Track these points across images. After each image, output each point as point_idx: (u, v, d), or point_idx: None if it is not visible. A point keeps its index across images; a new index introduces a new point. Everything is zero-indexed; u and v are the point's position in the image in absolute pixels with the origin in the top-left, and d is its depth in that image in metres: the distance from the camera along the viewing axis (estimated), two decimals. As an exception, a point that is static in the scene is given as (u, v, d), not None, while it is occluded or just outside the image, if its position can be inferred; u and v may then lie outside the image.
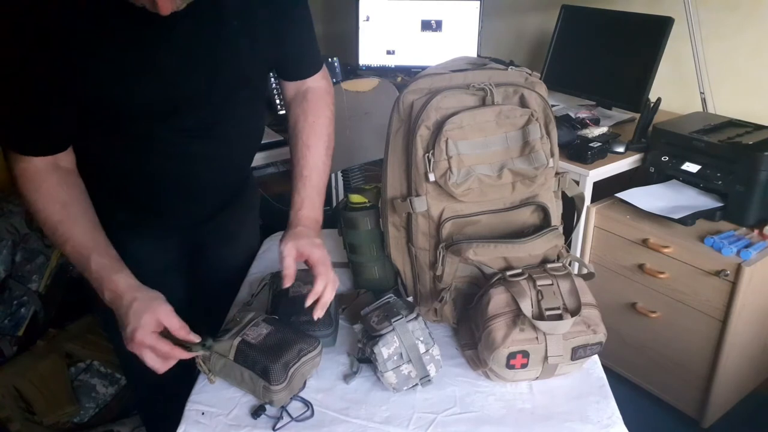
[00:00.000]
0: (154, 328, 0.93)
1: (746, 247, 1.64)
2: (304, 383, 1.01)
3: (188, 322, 0.97)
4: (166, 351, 0.92)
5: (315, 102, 1.21)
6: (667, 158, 1.87)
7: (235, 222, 1.37)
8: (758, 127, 1.85)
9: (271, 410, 0.97)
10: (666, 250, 1.75)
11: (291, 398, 0.98)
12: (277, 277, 1.15)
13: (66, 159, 1.02)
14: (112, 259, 0.99)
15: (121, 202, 1.14)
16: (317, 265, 1.05)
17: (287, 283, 1.05)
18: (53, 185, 0.99)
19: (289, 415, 0.96)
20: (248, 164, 1.29)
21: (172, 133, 1.05)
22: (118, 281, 0.96)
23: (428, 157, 1.01)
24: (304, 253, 1.07)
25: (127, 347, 0.93)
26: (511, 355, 0.95)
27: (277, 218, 1.64)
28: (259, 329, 1.01)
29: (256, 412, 0.96)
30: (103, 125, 1.02)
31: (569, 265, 1.06)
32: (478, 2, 2.64)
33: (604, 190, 1.96)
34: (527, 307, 0.94)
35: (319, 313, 1.03)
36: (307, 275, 1.13)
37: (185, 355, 0.94)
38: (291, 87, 1.23)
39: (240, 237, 1.43)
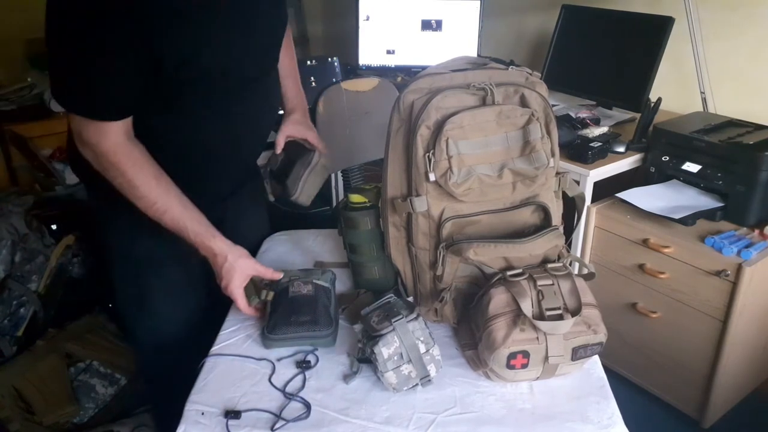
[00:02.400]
0: (241, 282, 1.14)
1: (747, 247, 1.64)
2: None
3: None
4: (242, 305, 1.15)
5: (288, 45, 1.44)
6: (668, 158, 1.87)
7: (248, 198, 1.48)
8: (758, 127, 1.85)
9: (271, 410, 0.97)
10: (666, 250, 1.75)
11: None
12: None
13: (131, 123, 1.10)
14: (204, 226, 1.14)
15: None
16: (316, 141, 1.41)
17: (278, 150, 1.33)
18: (145, 159, 1.10)
19: (284, 419, 0.96)
20: (271, 125, 1.38)
21: (224, 92, 1.16)
22: (212, 246, 1.13)
23: (429, 156, 1.01)
24: (301, 134, 1.40)
25: (223, 291, 1.15)
26: (512, 355, 0.95)
27: (277, 219, 1.65)
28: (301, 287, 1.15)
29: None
30: (168, 90, 1.09)
31: (570, 265, 1.06)
32: (478, 2, 2.64)
33: (605, 190, 1.96)
34: (528, 307, 0.94)
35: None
36: (306, 275, 1.17)
37: (248, 312, 1.16)
38: None
39: (254, 213, 1.53)
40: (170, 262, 1.29)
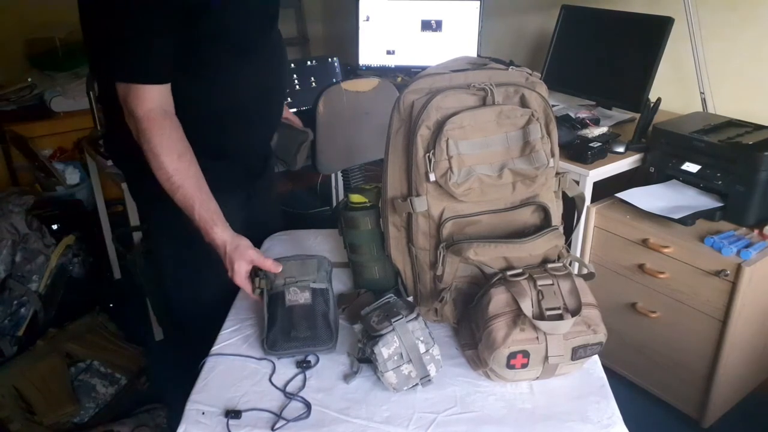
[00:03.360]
0: (246, 269, 1.16)
1: (746, 247, 1.64)
2: None
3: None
4: (249, 293, 1.18)
5: None
6: (667, 158, 1.88)
7: (269, 183, 1.61)
8: (758, 127, 1.85)
9: (271, 409, 0.97)
10: (666, 250, 1.75)
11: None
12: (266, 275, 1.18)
13: (171, 102, 1.18)
14: (211, 212, 1.17)
15: (197, 144, 1.22)
16: (295, 119, 1.61)
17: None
18: (174, 132, 1.16)
19: (284, 418, 0.96)
20: (286, 86, 1.53)
21: (247, 60, 1.26)
22: (215, 235, 1.17)
23: (429, 156, 1.01)
24: (285, 114, 1.50)
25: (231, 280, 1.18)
26: (512, 355, 0.95)
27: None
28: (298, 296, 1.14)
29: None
30: (197, 50, 1.17)
31: (570, 265, 1.06)
32: (478, 2, 2.64)
33: (604, 190, 1.96)
34: (528, 306, 0.94)
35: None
36: (302, 272, 1.17)
37: (254, 297, 1.18)
38: None
39: (273, 200, 1.66)
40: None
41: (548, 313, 0.95)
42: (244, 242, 1.19)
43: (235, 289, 1.27)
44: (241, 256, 1.16)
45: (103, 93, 1.30)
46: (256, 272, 1.17)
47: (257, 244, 1.32)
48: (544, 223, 1.09)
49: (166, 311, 2.12)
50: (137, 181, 1.40)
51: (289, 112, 1.64)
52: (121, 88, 1.15)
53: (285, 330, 1.08)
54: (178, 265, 1.42)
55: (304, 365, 1.07)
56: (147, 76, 1.13)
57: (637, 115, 2.04)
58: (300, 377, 1.05)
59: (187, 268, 1.39)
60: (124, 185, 2.07)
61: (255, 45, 1.28)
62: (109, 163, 2.20)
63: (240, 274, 1.16)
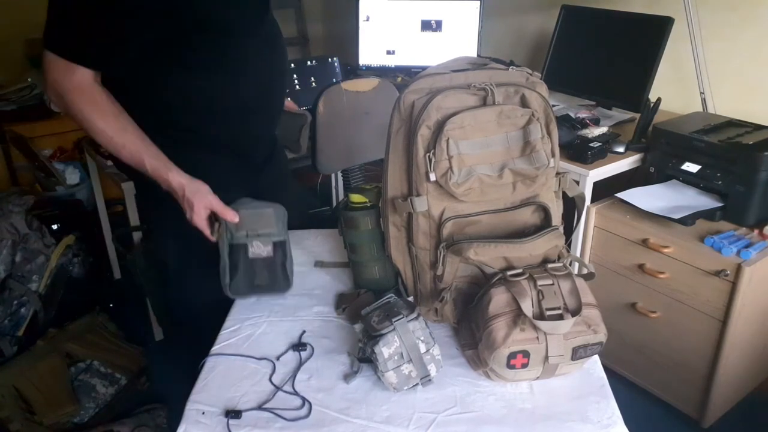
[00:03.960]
0: (204, 213, 1.20)
1: (746, 247, 1.64)
2: None
3: None
4: (207, 234, 1.21)
5: None
6: (667, 158, 1.88)
7: (279, 174, 1.59)
8: (758, 127, 1.85)
9: (271, 409, 0.97)
10: (666, 250, 1.75)
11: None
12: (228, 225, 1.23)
13: (98, 79, 1.18)
14: (163, 160, 1.20)
15: (199, 138, 1.28)
16: (294, 105, 1.60)
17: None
18: (105, 99, 1.17)
19: (284, 418, 0.96)
20: (285, 75, 1.49)
21: (239, 50, 1.26)
22: (171, 179, 1.19)
23: (429, 156, 1.02)
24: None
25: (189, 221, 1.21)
26: (512, 355, 0.95)
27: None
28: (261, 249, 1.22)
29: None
30: (191, 51, 1.20)
31: (570, 265, 1.06)
32: (478, 2, 2.64)
33: (604, 190, 1.96)
34: (528, 306, 0.94)
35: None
36: (262, 223, 1.23)
37: (212, 239, 1.22)
38: None
39: (288, 186, 1.66)
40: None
41: (548, 313, 0.95)
42: (204, 187, 1.21)
43: None
44: (201, 200, 1.19)
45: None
46: (216, 218, 1.21)
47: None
48: (545, 223, 1.09)
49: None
50: (139, 182, 1.40)
51: (287, 100, 1.62)
52: (48, 59, 1.13)
53: (248, 278, 1.19)
54: (179, 265, 1.42)
55: (300, 348, 1.10)
56: (87, 58, 1.13)
57: (637, 115, 2.04)
58: (300, 376, 1.05)
59: (189, 268, 1.40)
60: (124, 185, 2.08)
61: (246, 34, 1.28)
62: (109, 163, 2.20)
63: (199, 215, 1.20)
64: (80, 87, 1.14)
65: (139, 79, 1.23)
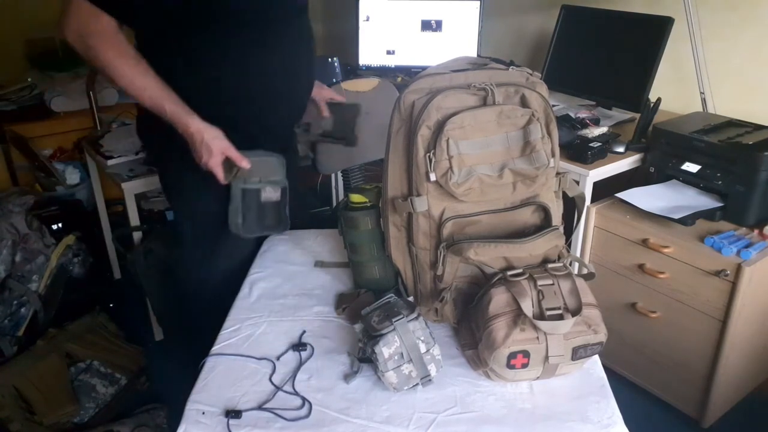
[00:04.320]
0: (220, 158, 1.29)
1: (746, 247, 1.64)
2: None
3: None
4: (221, 177, 1.31)
5: None
6: (667, 158, 1.87)
7: (292, 165, 1.59)
8: (758, 127, 1.85)
9: (271, 409, 0.97)
10: (666, 250, 1.75)
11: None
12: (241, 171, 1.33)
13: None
14: (181, 105, 1.26)
15: (220, 124, 1.31)
16: (339, 96, 1.67)
17: (325, 113, 1.62)
18: (127, 45, 1.24)
19: (284, 418, 0.96)
20: (312, 69, 1.52)
21: (259, 31, 1.32)
22: (190, 123, 1.26)
23: (429, 156, 1.02)
24: (330, 95, 1.64)
25: (202, 166, 1.30)
26: (512, 355, 0.95)
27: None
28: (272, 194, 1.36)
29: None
30: (221, 32, 1.27)
31: (570, 265, 1.06)
32: (478, 2, 2.64)
33: (604, 190, 1.96)
34: (528, 306, 0.94)
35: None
36: (276, 185, 1.36)
37: (224, 182, 1.32)
38: None
39: (295, 184, 1.64)
40: (214, 218, 1.43)
41: (548, 313, 0.95)
42: (221, 133, 1.29)
43: (244, 270, 1.40)
44: (218, 145, 1.28)
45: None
46: (230, 165, 1.31)
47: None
48: (545, 223, 1.09)
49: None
50: (165, 160, 1.48)
51: (330, 91, 1.67)
52: (76, 3, 1.19)
53: (260, 219, 1.34)
54: (195, 246, 1.51)
55: (300, 348, 1.10)
56: (112, 6, 1.19)
57: (637, 115, 2.04)
58: (300, 376, 1.05)
59: (204, 249, 1.49)
60: (124, 185, 2.08)
61: (282, 23, 1.35)
62: (109, 162, 2.20)
63: (216, 159, 1.28)
64: (105, 31, 1.20)
65: (173, 61, 1.28)
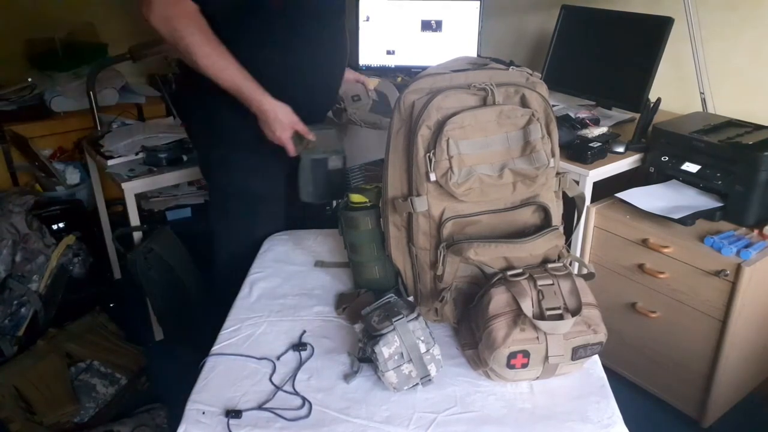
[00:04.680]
0: (290, 131, 1.40)
1: (746, 247, 1.64)
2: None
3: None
4: (291, 149, 1.43)
5: None
6: (667, 158, 1.87)
7: None
8: (758, 127, 1.85)
9: (271, 408, 0.97)
10: (666, 250, 1.75)
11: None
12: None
13: None
14: (256, 85, 1.36)
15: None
16: (367, 79, 1.81)
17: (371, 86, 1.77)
18: (208, 28, 1.32)
19: (284, 418, 0.96)
20: (344, 64, 1.64)
21: (329, 28, 1.49)
22: (264, 100, 1.37)
23: (429, 156, 1.02)
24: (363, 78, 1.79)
25: (273, 140, 1.42)
26: (512, 355, 0.95)
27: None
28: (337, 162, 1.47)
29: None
30: (286, 21, 1.39)
31: (570, 265, 1.06)
32: (478, 2, 2.64)
33: (604, 190, 1.96)
34: (528, 306, 0.94)
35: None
36: (339, 155, 1.47)
37: (294, 153, 1.44)
38: None
39: None
40: (273, 198, 1.59)
41: (548, 313, 0.95)
42: (290, 109, 1.40)
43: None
44: (290, 120, 1.40)
45: None
46: (300, 138, 1.42)
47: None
48: (545, 223, 1.09)
49: (167, 311, 2.12)
50: (213, 142, 1.54)
51: (354, 72, 1.77)
52: None
53: (328, 187, 1.43)
54: (238, 220, 1.59)
55: (300, 348, 1.10)
56: None
57: (637, 115, 2.04)
58: (300, 376, 1.05)
59: (248, 223, 1.58)
60: (124, 185, 2.08)
61: (333, 17, 1.51)
62: (109, 162, 2.20)
63: (287, 134, 1.40)
64: (189, 13, 1.29)
65: (237, 45, 1.34)
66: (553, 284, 0.98)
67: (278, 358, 1.10)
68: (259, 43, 1.40)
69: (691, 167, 1.82)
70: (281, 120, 1.39)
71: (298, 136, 1.42)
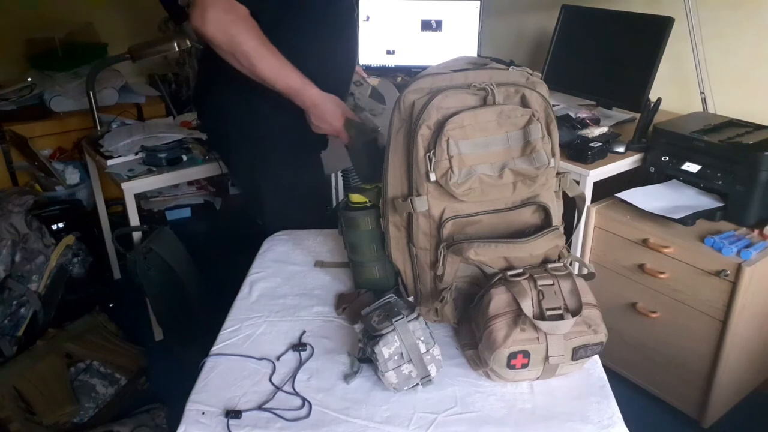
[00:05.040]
0: (343, 119, 1.45)
1: (746, 247, 1.64)
2: None
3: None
4: (345, 136, 1.47)
5: None
6: (667, 158, 1.88)
7: None
8: (758, 127, 1.85)
9: (271, 409, 0.97)
10: (666, 250, 1.75)
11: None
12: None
13: None
14: (309, 81, 1.41)
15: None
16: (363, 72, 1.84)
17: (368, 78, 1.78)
18: (260, 30, 1.34)
19: (284, 418, 0.96)
20: (357, 59, 1.75)
21: (350, 21, 1.59)
22: (316, 94, 1.42)
23: (429, 156, 1.01)
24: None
25: (327, 131, 1.48)
26: (512, 355, 0.95)
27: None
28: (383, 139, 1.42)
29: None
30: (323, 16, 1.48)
31: (570, 265, 1.06)
32: (478, 2, 2.64)
33: (604, 190, 1.96)
34: (528, 306, 0.94)
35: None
36: (382, 135, 1.45)
37: (346, 139, 1.49)
38: None
39: None
40: (317, 192, 1.71)
41: (549, 313, 0.95)
42: (337, 99, 1.47)
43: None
44: (343, 109, 1.46)
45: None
46: (349, 123, 1.47)
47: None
48: (545, 223, 1.09)
49: (167, 309, 2.12)
50: (245, 136, 1.57)
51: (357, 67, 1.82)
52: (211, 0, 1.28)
53: (380, 164, 1.37)
54: (287, 216, 1.62)
55: (300, 348, 1.10)
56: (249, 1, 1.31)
57: (638, 115, 2.04)
58: (300, 376, 1.05)
59: (291, 215, 1.62)
60: (124, 185, 2.08)
61: (353, 11, 1.59)
62: (109, 162, 2.20)
63: (342, 122, 1.45)
64: (244, 18, 1.31)
65: (284, 44, 1.38)
66: (553, 284, 0.98)
67: (278, 358, 1.10)
68: (302, 39, 1.44)
69: (691, 167, 1.82)
70: (335, 110, 1.44)
71: (349, 123, 1.46)
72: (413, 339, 0.98)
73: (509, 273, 1.00)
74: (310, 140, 1.54)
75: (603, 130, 2.00)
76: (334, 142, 1.75)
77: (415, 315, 1.01)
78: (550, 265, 1.02)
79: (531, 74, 1.08)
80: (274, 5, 1.38)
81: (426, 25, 2.72)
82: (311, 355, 1.10)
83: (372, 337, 1.00)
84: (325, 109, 1.43)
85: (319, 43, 1.49)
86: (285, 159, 1.58)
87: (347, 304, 1.22)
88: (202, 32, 1.31)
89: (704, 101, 2.10)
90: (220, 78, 1.50)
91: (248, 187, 1.68)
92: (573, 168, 1.83)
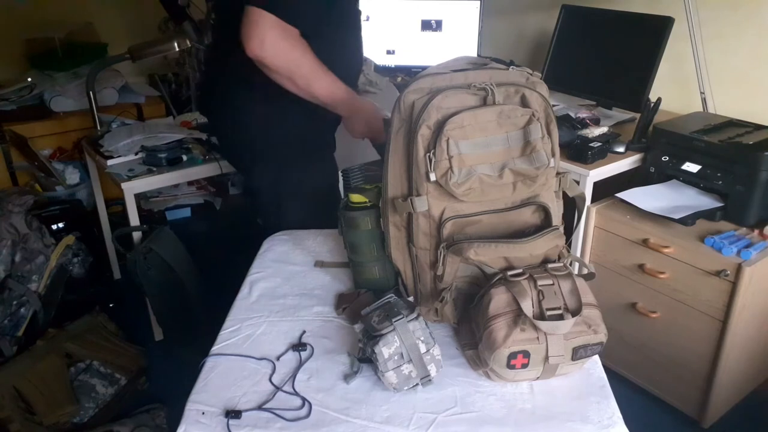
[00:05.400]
0: (382, 123, 1.52)
1: (746, 247, 1.64)
2: None
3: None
4: (383, 137, 1.50)
5: None
6: (667, 158, 1.87)
7: None
8: (758, 127, 1.85)
9: (271, 409, 0.97)
10: (666, 250, 1.75)
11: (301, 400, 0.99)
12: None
13: None
14: (350, 89, 1.50)
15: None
16: None
17: None
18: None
19: (284, 418, 0.96)
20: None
21: (359, 21, 1.69)
22: (359, 101, 1.53)
23: (429, 156, 1.01)
24: None
25: (365, 134, 1.57)
26: (512, 355, 0.95)
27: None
28: None
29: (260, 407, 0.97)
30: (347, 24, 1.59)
31: (570, 265, 1.06)
32: (478, 2, 2.64)
33: (604, 190, 1.96)
34: (528, 306, 0.94)
35: None
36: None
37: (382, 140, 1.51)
38: None
39: None
40: (330, 191, 1.74)
41: (549, 313, 0.95)
42: (376, 105, 1.56)
43: None
44: (381, 112, 1.54)
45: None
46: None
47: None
48: (545, 223, 1.09)
49: (167, 309, 2.12)
50: (270, 143, 1.62)
51: None
52: (269, 21, 1.31)
53: None
54: (303, 217, 1.64)
55: (300, 348, 1.10)
56: (300, 21, 1.36)
57: (638, 115, 2.04)
58: (300, 376, 1.05)
59: (317, 218, 1.62)
60: (124, 185, 2.08)
61: (360, 16, 1.67)
62: (109, 162, 2.20)
63: (381, 123, 1.51)
64: (300, 41, 1.36)
65: (322, 55, 1.43)
66: (553, 284, 0.98)
67: (278, 358, 1.10)
68: (334, 48, 1.49)
69: (691, 167, 1.82)
70: (376, 113, 1.52)
71: (385, 123, 1.51)
72: (413, 339, 0.98)
73: (509, 273, 1.00)
74: (328, 142, 1.64)
75: (603, 130, 2.00)
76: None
77: (415, 315, 1.01)
78: (550, 265, 1.02)
79: (531, 74, 1.08)
80: (317, 22, 1.41)
81: (426, 25, 2.72)
82: (311, 355, 1.10)
83: (372, 337, 1.00)
84: (369, 113, 1.51)
85: (346, 49, 1.58)
86: (306, 161, 1.63)
87: (347, 304, 1.22)
88: (261, 60, 1.34)
89: (704, 101, 2.10)
90: (237, 87, 1.55)
91: (267, 191, 1.69)
92: (573, 168, 1.83)
